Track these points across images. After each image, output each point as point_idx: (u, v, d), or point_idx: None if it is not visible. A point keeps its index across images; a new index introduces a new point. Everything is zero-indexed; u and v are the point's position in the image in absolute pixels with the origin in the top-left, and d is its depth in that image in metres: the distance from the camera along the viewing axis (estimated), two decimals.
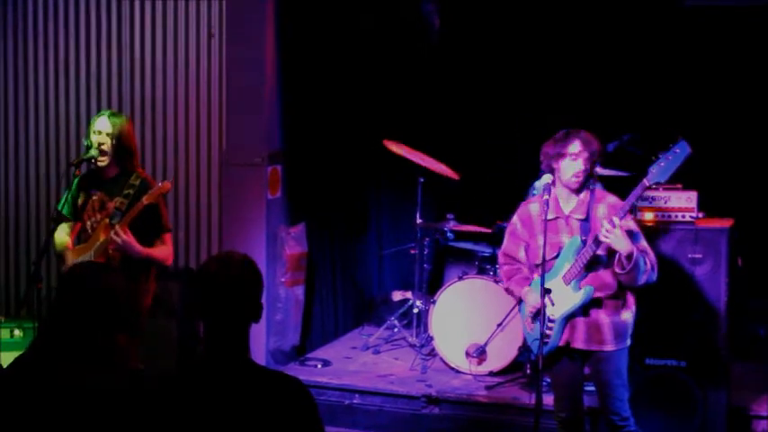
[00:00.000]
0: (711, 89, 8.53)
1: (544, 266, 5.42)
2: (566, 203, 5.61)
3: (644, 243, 5.51)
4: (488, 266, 8.07)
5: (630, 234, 5.40)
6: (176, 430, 3.26)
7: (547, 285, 5.48)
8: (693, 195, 7.00)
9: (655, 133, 8.07)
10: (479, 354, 7.66)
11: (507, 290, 6.01)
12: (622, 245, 5.28)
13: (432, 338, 7.93)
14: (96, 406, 3.55)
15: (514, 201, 7.90)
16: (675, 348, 6.69)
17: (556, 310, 5.55)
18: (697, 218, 7.06)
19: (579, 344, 5.58)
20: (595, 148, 5.52)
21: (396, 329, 8.71)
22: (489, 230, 8.20)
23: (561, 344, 5.60)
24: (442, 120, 9.48)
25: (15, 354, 3.84)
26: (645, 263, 5.37)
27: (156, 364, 5.95)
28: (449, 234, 8.44)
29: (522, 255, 5.81)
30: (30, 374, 3.66)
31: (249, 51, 7.82)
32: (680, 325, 6.73)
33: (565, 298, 5.53)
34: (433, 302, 7.92)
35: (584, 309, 5.53)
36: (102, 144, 6.08)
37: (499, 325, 7.57)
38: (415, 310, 8.41)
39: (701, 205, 7.13)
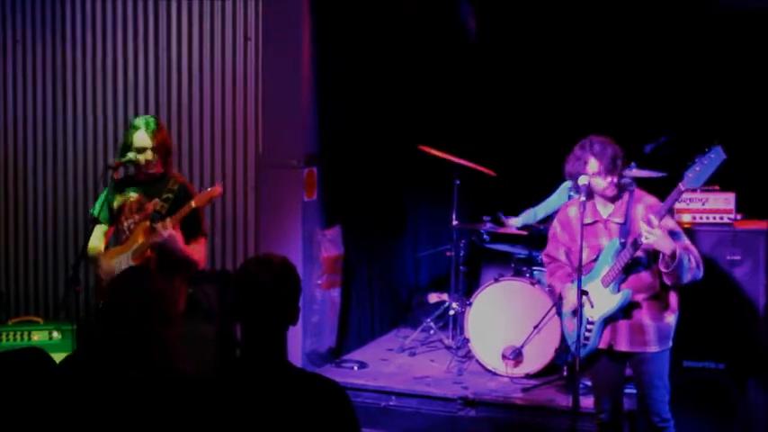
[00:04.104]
0: (749, 90, 8.46)
1: (580, 270, 5.40)
2: (603, 207, 5.58)
3: (686, 241, 5.44)
4: (525, 268, 8.05)
5: (672, 234, 5.35)
6: (215, 431, 3.28)
7: (586, 287, 5.49)
8: (731, 197, 6.97)
9: (693, 134, 8.06)
10: (516, 356, 7.64)
11: (550, 286, 6.05)
12: (664, 244, 5.23)
13: (468, 340, 7.92)
14: (142, 404, 3.64)
15: None
16: (714, 350, 6.65)
17: (595, 312, 5.54)
18: (735, 219, 7.02)
19: (622, 346, 5.55)
20: (612, 155, 5.42)
21: (432, 331, 8.72)
22: (525, 232, 8.18)
23: (603, 346, 5.58)
24: (478, 121, 9.47)
25: (53, 356, 3.90)
26: (689, 260, 5.31)
27: (194, 366, 5.98)
28: (485, 236, 8.42)
29: (562, 257, 5.81)
30: (82, 373, 3.76)
31: (285, 54, 7.83)
32: (718, 327, 6.69)
33: (603, 300, 5.51)
34: (469, 304, 7.90)
35: (626, 311, 5.49)
36: (149, 159, 6.10)
37: (536, 327, 7.54)
38: (451, 312, 8.40)
39: (739, 207, 7.09)
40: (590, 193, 5.54)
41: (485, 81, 9.50)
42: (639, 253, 5.38)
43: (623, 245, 5.41)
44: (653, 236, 5.19)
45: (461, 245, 8.45)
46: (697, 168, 5.16)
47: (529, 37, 9.18)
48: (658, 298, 5.51)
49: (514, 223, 8.21)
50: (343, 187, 8.40)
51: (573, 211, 5.65)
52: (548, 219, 8.13)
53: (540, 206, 8.22)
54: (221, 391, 3.32)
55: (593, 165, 5.44)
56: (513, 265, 8.20)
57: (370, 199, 8.85)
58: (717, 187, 7.21)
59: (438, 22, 9.40)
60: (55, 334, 7.89)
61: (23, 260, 9.07)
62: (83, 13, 8.72)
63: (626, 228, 5.47)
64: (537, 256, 8.02)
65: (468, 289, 8.68)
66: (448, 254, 8.55)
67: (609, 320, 5.54)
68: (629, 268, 5.43)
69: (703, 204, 6.91)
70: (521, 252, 8.18)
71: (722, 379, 6.51)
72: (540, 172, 8.37)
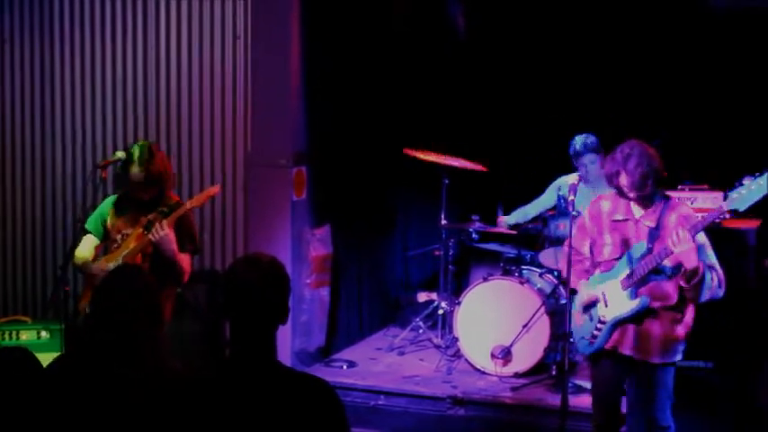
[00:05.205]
0: (741, 90, 8.47)
1: (570, 269, 5.39)
2: (637, 208, 5.51)
3: (713, 258, 5.36)
4: (513, 267, 8.05)
5: (701, 249, 5.25)
6: (204, 430, 3.27)
7: (604, 287, 5.47)
8: (720, 196, 6.96)
9: (685, 134, 8.08)
10: (505, 355, 7.64)
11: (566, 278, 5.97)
12: (689, 257, 5.12)
13: (457, 339, 7.92)
14: (134, 403, 3.64)
15: None
16: (702, 350, 6.65)
17: (608, 312, 5.48)
18: (724, 218, 7.01)
19: (626, 350, 5.48)
20: (643, 173, 5.33)
21: (421, 331, 8.71)
22: (514, 232, 8.19)
23: (608, 347, 5.52)
24: (467, 120, 9.47)
25: (42, 355, 3.88)
26: (712, 278, 5.24)
27: (184, 365, 5.97)
28: (474, 235, 8.42)
29: (585, 250, 5.72)
30: (74, 373, 3.76)
31: (274, 52, 7.82)
32: (706, 326, 6.67)
33: (619, 303, 5.44)
34: (458, 303, 7.90)
35: (639, 317, 5.41)
36: (143, 192, 6.08)
37: (525, 326, 7.54)
38: (440, 312, 8.40)
39: None
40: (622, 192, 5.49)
41: (474, 80, 9.49)
42: (666, 262, 5.28)
43: (650, 250, 5.33)
44: (679, 248, 5.11)
45: (450, 244, 8.44)
46: (743, 191, 5.04)
47: (519, 36, 9.18)
48: (673, 309, 5.42)
49: (506, 221, 8.23)
50: (333, 186, 8.39)
51: (606, 205, 5.59)
52: (538, 218, 8.14)
53: (531, 205, 8.24)
54: (210, 390, 3.31)
55: (623, 178, 5.40)
56: (502, 265, 8.20)
57: (359, 198, 8.83)
58: (706, 186, 7.21)
59: (427, 21, 9.39)
60: (43, 333, 7.86)
61: (11, 259, 9.03)
62: (71, 10, 8.69)
63: (656, 232, 5.37)
64: (526, 255, 8.04)
65: (457, 288, 8.67)
66: (437, 253, 8.55)
67: (620, 323, 5.47)
68: (651, 275, 5.35)
69: (692, 203, 6.92)
70: (510, 251, 8.19)
71: (710, 378, 6.52)
72: (531, 171, 8.39)
